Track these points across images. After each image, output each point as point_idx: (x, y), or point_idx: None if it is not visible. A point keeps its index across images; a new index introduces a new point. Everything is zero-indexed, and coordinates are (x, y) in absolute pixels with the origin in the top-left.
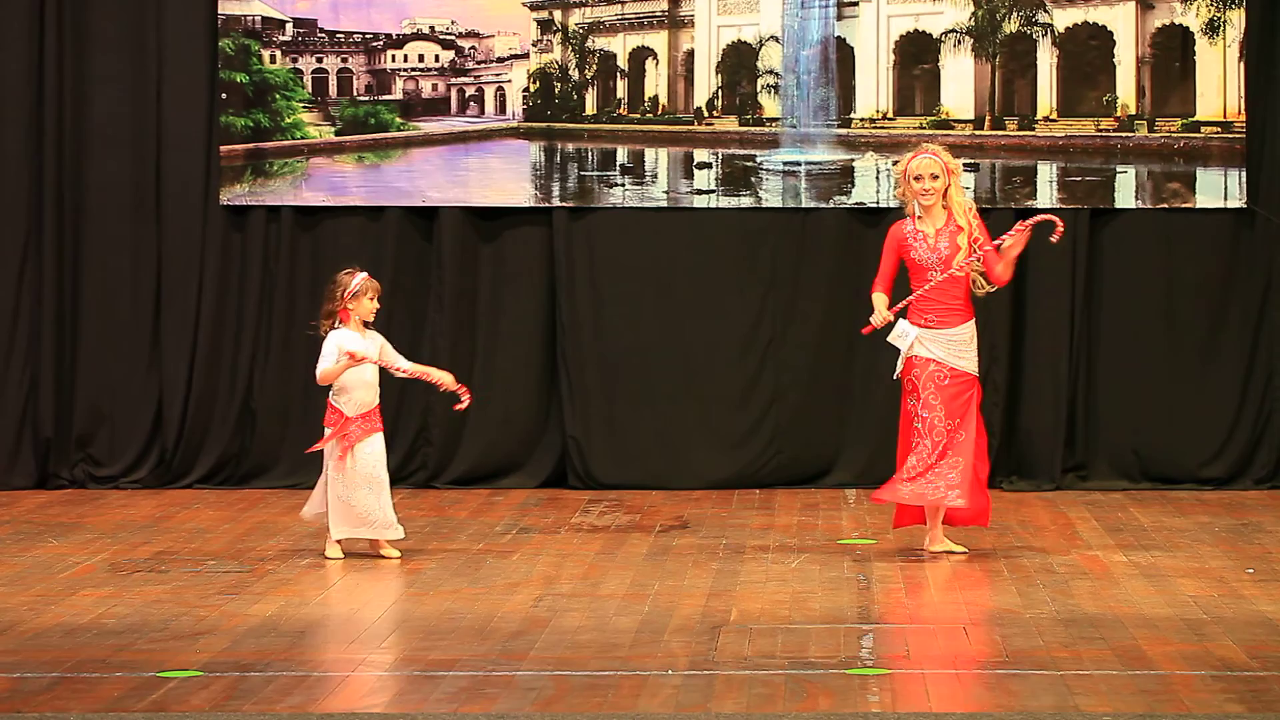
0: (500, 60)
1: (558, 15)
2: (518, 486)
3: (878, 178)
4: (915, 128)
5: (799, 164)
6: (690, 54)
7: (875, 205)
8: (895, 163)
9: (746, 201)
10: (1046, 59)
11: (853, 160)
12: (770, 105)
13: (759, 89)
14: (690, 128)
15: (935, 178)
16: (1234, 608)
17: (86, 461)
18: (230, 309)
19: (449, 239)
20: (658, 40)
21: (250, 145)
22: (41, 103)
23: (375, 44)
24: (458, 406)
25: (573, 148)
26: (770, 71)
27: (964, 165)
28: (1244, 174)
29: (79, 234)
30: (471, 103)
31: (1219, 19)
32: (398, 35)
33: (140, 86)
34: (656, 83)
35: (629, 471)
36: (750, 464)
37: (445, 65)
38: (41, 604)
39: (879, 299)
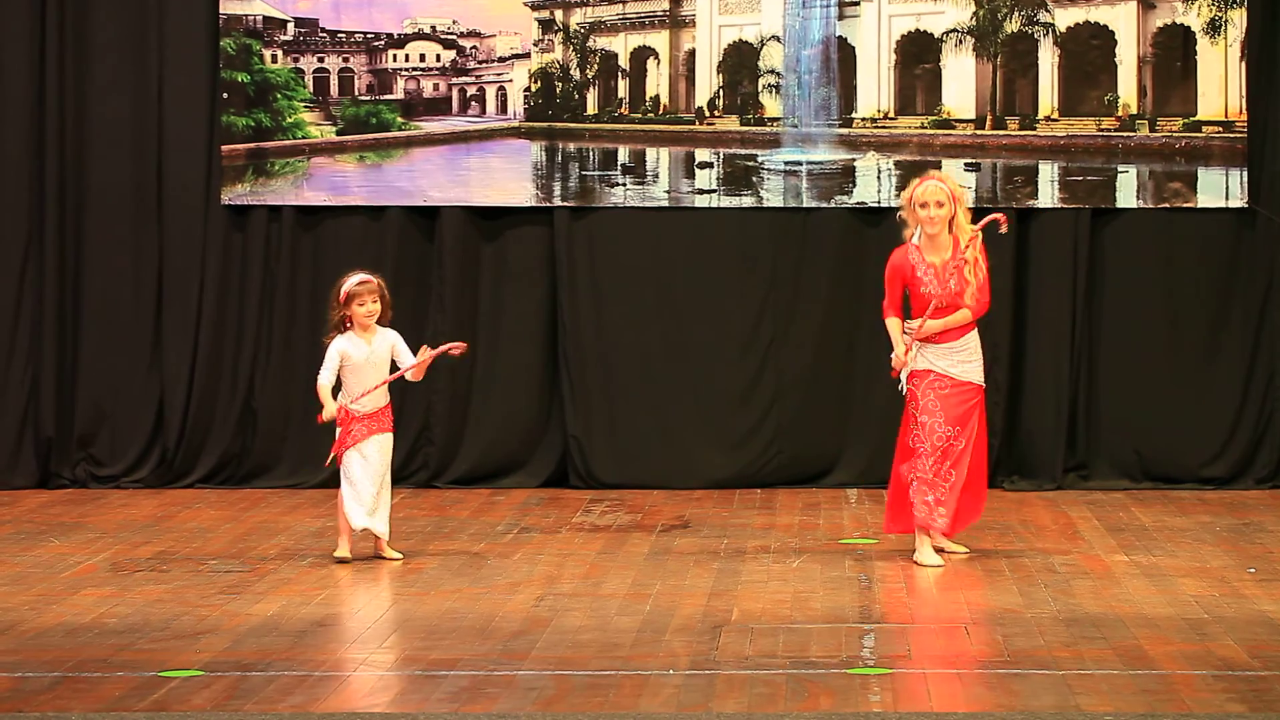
0: (501, 60)
1: (559, 15)
2: (519, 486)
3: (879, 177)
4: (917, 127)
5: (800, 164)
6: (691, 54)
7: (877, 205)
8: (900, 189)
9: (748, 201)
10: (1048, 58)
11: (854, 160)
12: (771, 105)
13: (760, 89)
14: (691, 127)
15: (941, 205)
16: (1235, 607)
17: (88, 461)
18: (231, 308)
19: (450, 239)
20: (659, 40)
21: (251, 145)
22: (43, 102)
23: (377, 43)
24: (454, 351)
25: (574, 147)
26: (771, 71)
27: (965, 165)
28: (1245, 173)
29: (80, 233)
30: (473, 102)
31: (1220, 18)
32: (399, 35)
33: (141, 86)
34: (658, 82)
35: (630, 471)
36: (751, 463)
37: (446, 65)
38: (43, 603)
39: (894, 327)
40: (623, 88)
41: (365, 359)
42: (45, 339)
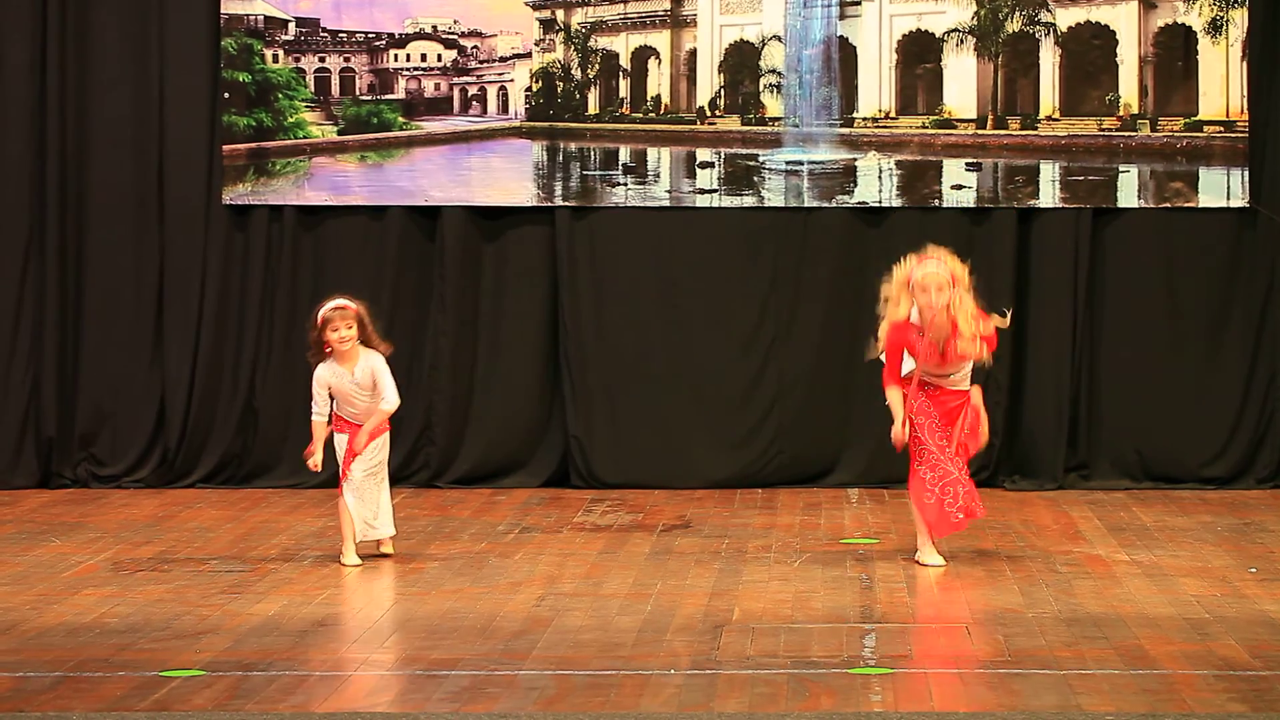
0: (503, 59)
1: (560, 15)
2: (520, 486)
3: (880, 177)
4: (918, 127)
5: (801, 163)
6: (693, 53)
7: (878, 205)
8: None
9: (749, 201)
10: (1049, 58)
11: (855, 160)
12: (773, 104)
13: (761, 88)
14: (693, 127)
15: (941, 290)
16: (1236, 607)
17: (89, 461)
18: (232, 308)
19: (451, 238)
20: (660, 40)
21: (253, 145)
22: (44, 102)
23: (378, 43)
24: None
25: (575, 147)
26: (773, 71)
27: (966, 165)
28: (1246, 173)
29: (82, 233)
30: (474, 102)
31: (1222, 18)
32: (400, 35)
33: (143, 86)
34: (659, 82)
35: (631, 471)
36: (752, 463)
37: (448, 65)
38: (44, 603)
39: (895, 398)
40: (624, 87)
41: (348, 386)
42: (46, 339)
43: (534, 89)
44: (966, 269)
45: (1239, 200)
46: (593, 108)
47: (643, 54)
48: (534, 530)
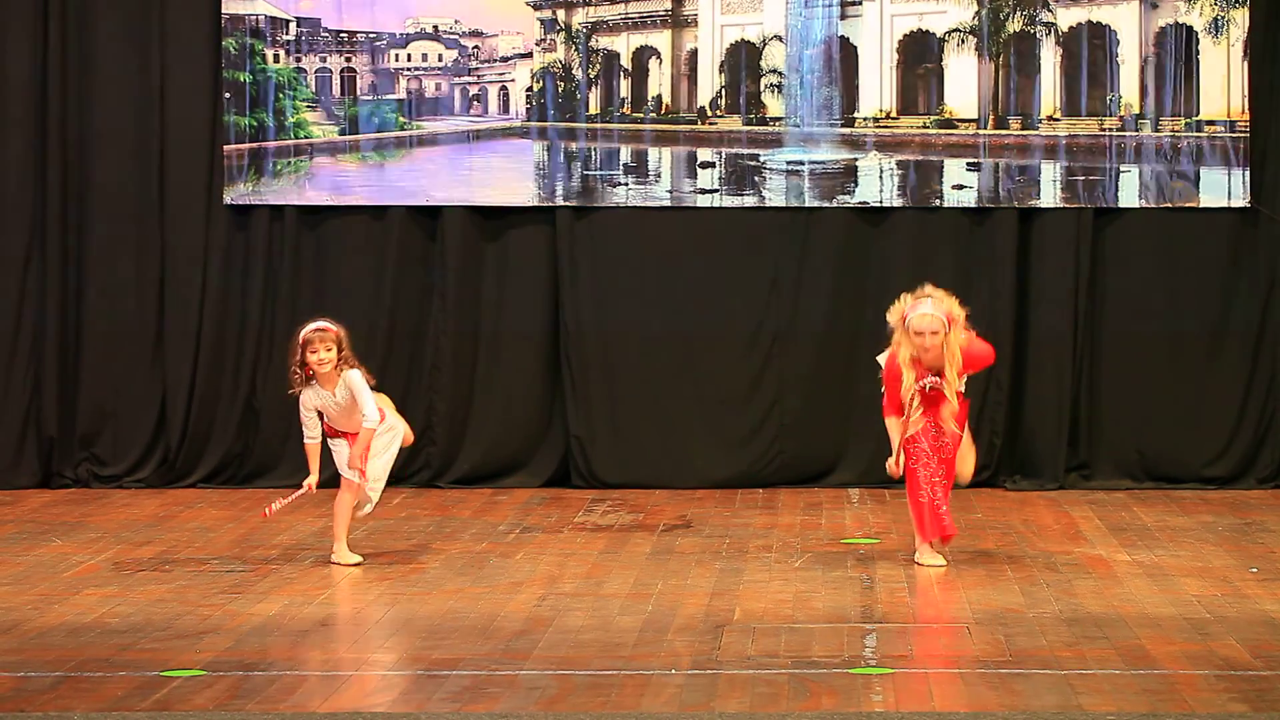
0: (504, 59)
1: (561, 14)
2: (521, 486)
3: (881, 177)
4: (919, 127)
5: (802, 163)
6: (693, 53)
7: (879, 205)
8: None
9: (750, 201)
10: (1050, 58)
11: (856, 159)
12: (774, 104)
13: (762, 88)
14: (694, 127)
15: (936, 334)
16: (1237, 607)
17: (90, 461)
18: (234, 308)
19: (452, 238)
20: (661, 39)
21: (254, 145)
22: (45, 102)
23: (379, 43)
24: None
25: (576, 147)
26: (774, 71)
27: (967, 165)
28: (1247, 173)
29: (83, 233)
30: (475, 102)
31: (1222, 18)
32: (401, 34)
33: (144, 86)
34: (660, 82)
35: (632, 471)
36: (753, 463)
37: (449, 64)
38: (45, 603)
39: (894, 427)
40: (625, 87)
41: (332, 407)
42: (47, 339)
43: (535, 89)
44: (964, 311)
45: (1240, 200)
46: (594, 108)
47: (643, 54)
48: (535, 530)
